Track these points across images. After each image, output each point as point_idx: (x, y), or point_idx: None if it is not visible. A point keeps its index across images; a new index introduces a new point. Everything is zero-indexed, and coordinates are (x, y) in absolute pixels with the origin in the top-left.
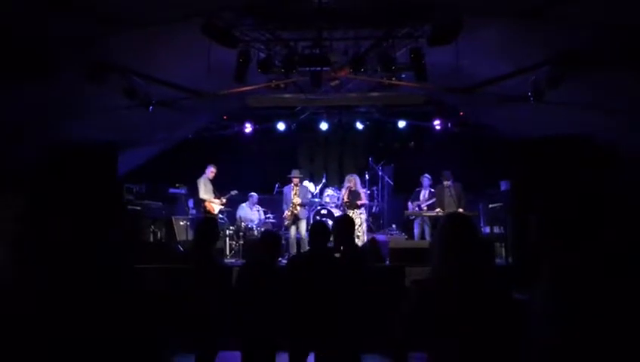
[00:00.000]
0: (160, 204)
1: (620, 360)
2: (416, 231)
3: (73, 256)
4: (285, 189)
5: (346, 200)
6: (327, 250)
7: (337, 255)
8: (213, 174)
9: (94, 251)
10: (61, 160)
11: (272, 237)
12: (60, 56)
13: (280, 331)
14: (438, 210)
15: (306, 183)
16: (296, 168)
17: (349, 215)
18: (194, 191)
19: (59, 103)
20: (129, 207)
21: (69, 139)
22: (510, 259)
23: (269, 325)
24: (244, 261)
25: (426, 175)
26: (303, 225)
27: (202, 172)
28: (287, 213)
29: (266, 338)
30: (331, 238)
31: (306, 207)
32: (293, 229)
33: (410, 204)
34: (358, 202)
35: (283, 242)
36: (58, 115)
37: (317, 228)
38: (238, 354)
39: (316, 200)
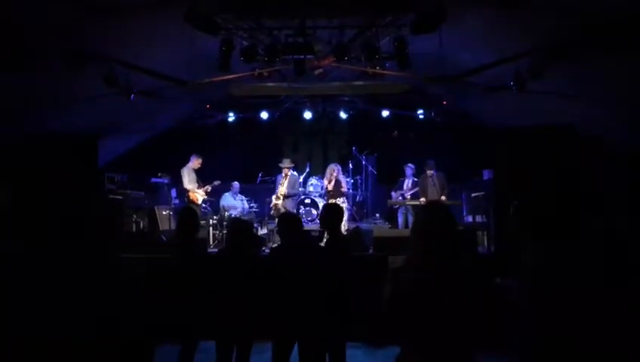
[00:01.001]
0: (142, 193)
1: (602, 341)
2: (400, 220)
3: (54, 246)
4: (277, 178)
5: (329, 189)
6: (307, 238)
7: (322, 243)
8: (198, 164)
9: (75, 240)
10: (40, 149)
11: (243, 225)
12: (39, 43)
13: (260, 320)
14: (421, 199)
15: (296, 174)
16: (278, 158)
17: (337, 203)
18: (177, 180)
19: (37, 92)
20: (110, 196)
21: (48, 128)
22: (492, 248)
23: (245, 314)
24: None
25: (410, 164)
26: None
27: (186, 161)
28: (272, 203)
29: (240, 328)
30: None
31: (293, 198)
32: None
33: (393, 193)
34: (341, 190)
35: (266, 231)
36: (37, 103)
37: (287, 219)
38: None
39: (300, 189)
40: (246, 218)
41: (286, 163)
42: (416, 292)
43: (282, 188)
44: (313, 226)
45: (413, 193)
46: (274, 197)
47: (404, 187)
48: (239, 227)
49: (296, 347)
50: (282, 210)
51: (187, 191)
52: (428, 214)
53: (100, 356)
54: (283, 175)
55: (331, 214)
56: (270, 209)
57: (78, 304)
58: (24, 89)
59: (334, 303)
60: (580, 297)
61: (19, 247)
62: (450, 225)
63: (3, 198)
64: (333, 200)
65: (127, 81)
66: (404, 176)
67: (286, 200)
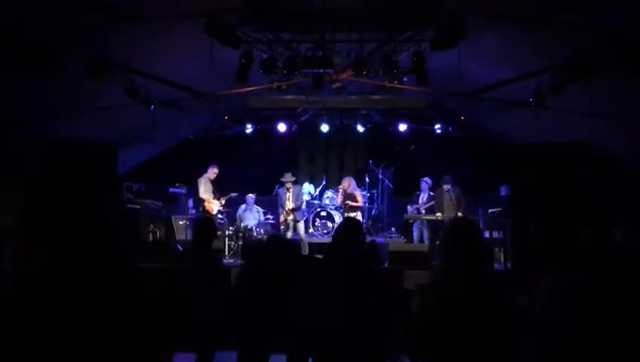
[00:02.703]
0: (160, 203)
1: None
2: (415, 234)
3: (72, 253)
4: (279, 191)
5: (342, 204)
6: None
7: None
8: (215, 175)
9: (93, 248)
10: (61, 156)
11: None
12: (62, 51)
13: (277, 333)
14: (437, 214)
15: (306, 185)
16: (294, 171)
17: (355, 218)
18: (194, 190)
19: (60, 99)
20: (128, 205)
21: (70, 135)
22: (509, 264)
23: (265, 327)
24: (243, 262)
25: (426, 178)
26: (301, 226)
27: (203, 172)
28: (282, 217)
29: (261, 340)
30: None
31: (302, 208)
32: (290, 233)
33: (409, 207)
34: (353, 204)
35: None
36: (59, 111)
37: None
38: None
39: (316, 202)
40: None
41: (288, 177)
42: (447, 308)
43: (289, 203)
44: (328, 239)
45: (428, 207)
46: (283, 213)
47: (420, 201)
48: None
49: None
50: (291, 224)
51: (202, 200)
52: (458, 229)
53: None
54: (286, 189)
55: (347, 229)
56: (280, 224)
57: (96, 312)
58: (47, 95)
59: (349, 317)
60: (602, 315)
61: (38, 253)
62: (479, 242)
63: (22, 204)
64: (347, 214)
65: (147, 91)
66: (420, 190)
67: (295, 213)
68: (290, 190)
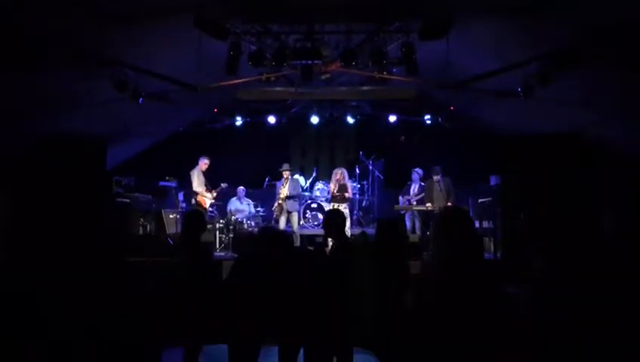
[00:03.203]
0: (150, 196)
1: (612, 348)
2: (408, 225)
3: (61, 248)
4: (277, 183)
5: (335, 193)
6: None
7: (328, 248)
8: (206, 166)
9: (83, 243)
10: (49, 151)
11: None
12: (49, 47)
13: (269, 326)
14: (427, 204)
15: (296, 177)
16: (286, 162)
17: (338, 209)
18: (184, 184)
19: (47, 95)
20: (118, 199)
21: (58, 130)
22: (499, 254)
23: (257, 319)
24: (236, 255)
25: (417, 169)
26: (294, 218)
27: (193, 165)
28: (275, 204)
29: (252, 333)
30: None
31: (297, 200)
32: (282, 222)
33: (400, 198)
34: (345, 195)
35: None
36: (47, 106)
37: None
38: (224, 347)
39: (306, 194)
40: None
41: (285, 167)
42: (437, 298)
43: (284, 190)
44: (319, 231)
45: (419, 198)
46: (277, 200)
47: (411, 192)
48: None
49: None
50: (285, 214)
51: (196, 194)
52: (449, 218)
53: (106, 359)
54: (284, 179)
55: (333, 220)
56: (273, 211)
57: (85, 306)
58: (34, 90)
59: (340, 308)
60: (590, 303)
61: (27, 249)
62: (472, 231)
63: (10, 200)
64: (337, 205)
65: (135, 84)
66: (411, 181)
67: (288, 201)
68: (288, 180)
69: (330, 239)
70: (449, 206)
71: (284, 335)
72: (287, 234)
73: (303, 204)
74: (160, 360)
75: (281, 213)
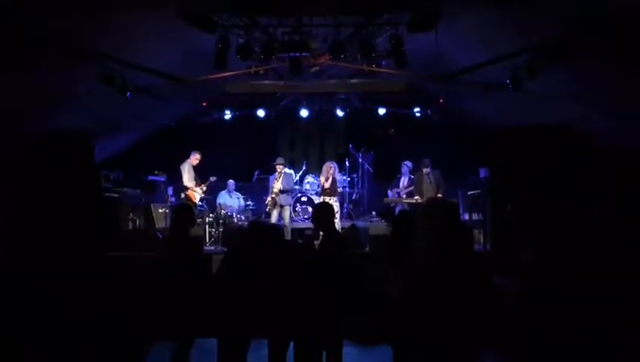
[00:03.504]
0: (138, 191)
1: (598, 338)
2: None
3: (51, 245)
4: (271, 177)
5: (325, 187)
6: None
7: (317, 242)
8: (197, 161)
9: (72, 239)
10: (36, 148)
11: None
12: (35, 42)
13: (259, 320)
14: (416, 197)
15: (286, 170)
16: (278, 155)
17: (327, 202)
18: (173, 178)
19: (32, 90)
20: (107, 194)
21: (45, 126)
22: (488, 246)
23: (246, 313)
24: (225, 249)
25: (407, 162)
26: (286, 212)
27: (183, 159)
28: (268, 198)
29: (241, 326)
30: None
31: (290, 194)
32: (274, 215)
33: (389, 191)
34: (336, 190)
35: None
36: (33, 103)
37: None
38: (214, 341)
39: (296, 187)
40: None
41: (279, 160)
42: (425, 289)
43: (278, 184)
44: (309, 224)
45: (409, 191)
46: (270, 194)
47: (401, 185)
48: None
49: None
50: (278, 203)
51: (186, 188)
52: (433, 211)
53: (94, 353)
54: (277, 172)
55: (322, 213)
56: (266, 206)
57: (74, 302)
58: (18, 87)
59: (330, 301)
60: (576, 292)
61: (14, 246)
62: (454, 222)
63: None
64: (328, 198)
65: (122, 78)
66: (400, 173)
67: (281, 195)
68: (282, 174)
69: (320, 232)
70: (433, 197)
71: (274, 329)
72: (277, 228)
73: (293, 197)
74: (148, 354)
75: (274, 207)
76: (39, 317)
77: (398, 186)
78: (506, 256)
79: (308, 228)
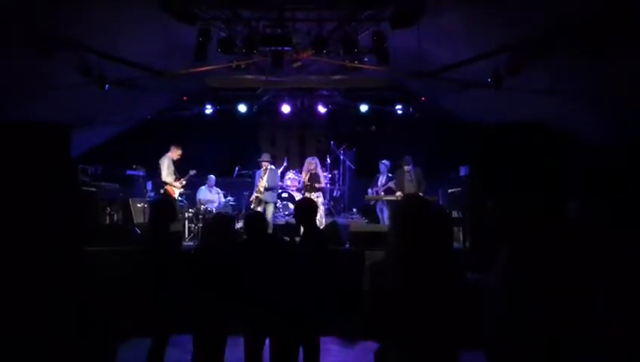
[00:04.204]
0: (117, 185)
1: (574, 334)
2: (380, 215)
3: (22, 238)
4: (256, 173)
5: (307, 183)
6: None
7: (298, 238)
8: (178, 156)
9: (43, 232)
10: (7, 139)
11: (224, 220)
12: (9, 29)
13: (234, 315)
14: (398, 193)
15: (271, 167)
16: (255, 152)
17: (310, 197)
18: (152, 172)
19: (6, 80)
20: (83, 188)
21: (18, 118)
22: (467, 243)
23: (221, 309)
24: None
25: (384, 161)
26: (270, 209)
27: (162, 153)
28: (253, 196)
29: (217, 322)
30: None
31: (275, 191)
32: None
33: (369, 190)
34: (317, 185)
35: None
36: (5, 92)
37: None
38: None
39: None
40: (225, 212)
41: (265, 157)
42: (398, 286)
43: (263, 182)
44: (290, 220)
45: (386, 188)
46: (255, 191)
47: (379, 183)
48: (222, 222)
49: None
50: (263, 200)
51: (165, 184)
52: (405, 207)
53: (66, 350)
54: (262, 169)
55: (304, 208)
56: (250, 203)
57: (43, 298)
58: None
59: (308, 297)
60: (556, 290)
61: None
62: (427, 218)
63: None
64: (309, 194)
65: (100, 70)
66: (378, 172)
67: (266, 193)
68: (267, 170)
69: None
70: (409, 194)
71: (249, 325)
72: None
73: (277, 192)
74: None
75: (258, 205)
76: (11, 313)
77: (376, 185)
78: (485, 253)
79: (290, 224)
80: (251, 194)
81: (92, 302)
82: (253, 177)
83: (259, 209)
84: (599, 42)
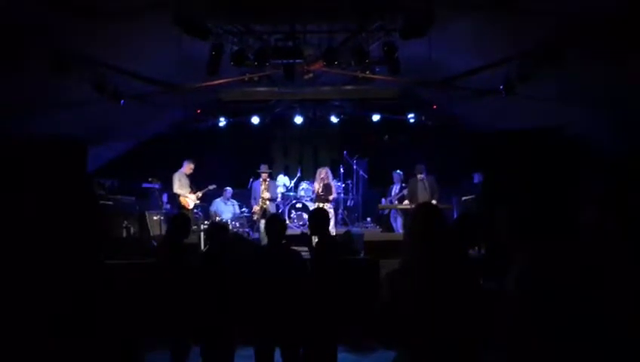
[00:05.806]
0: (133, 198)
1: (591, 345)
2: (394, 224)
3: (42, 254)
4: (254, 184)
5: (320, 193)
6: (288, 244)
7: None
8: (190, 170)
9: (64, 248)
10: (26, 155)
11: (217, 228)
12: (26, 46)
13: (242, 325)
14: (405, 202)
15: (280, 177)
16: (269, 163)
17: (323, 208)
18: (168, 185)
19: (24, 96)
20: (101, 202)
21: (35, 133)
22: (482, 251)
23: (227, 319)
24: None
25: (397, 171)
26: None
27: (177, 166)
28: (256, 207)
29: (221, 332)
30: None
31: (276, 202)
32: (262, 224)
33: (383, 199)
34: (330, 196)
35: (255, 236)
36: (23, 108)
37: (274, 222)
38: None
39: (291, 193)
40: (219, 220)
41: (264, 168)
42: (414, 295)
43: (266, 193)
44: (304, 230)
45: (399, 197)
46: (258, 202)
47: (392, 193)
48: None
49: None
50: (268, 211)
51: (177, 196)
52: (419, 216)
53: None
54: (262, 180)
55: (317, 218)
56: (253, 213)
57: (66, 311)
58: (10, 92)
59: (320, 307)
60: (570, 297)
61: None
62: (441, 227)
63: None
64: (322, 204)
65: (116, 85)
66: (392, 182)
67: (270, 204)
68: (267, 182)
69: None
70: (422, 202)
71: (258, 335)
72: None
73: (288, 204)
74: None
75: (262, 216)
76: (34, 326)
77: (390, 195)
78: (499, 260)
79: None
80: (252, 206)
81: (116, 315)
82: (251, 188)
83: (262, 221)
84: (611, 49)
